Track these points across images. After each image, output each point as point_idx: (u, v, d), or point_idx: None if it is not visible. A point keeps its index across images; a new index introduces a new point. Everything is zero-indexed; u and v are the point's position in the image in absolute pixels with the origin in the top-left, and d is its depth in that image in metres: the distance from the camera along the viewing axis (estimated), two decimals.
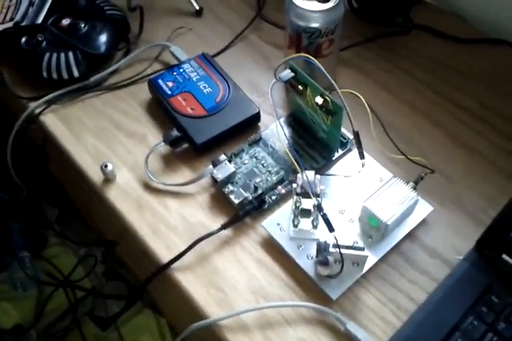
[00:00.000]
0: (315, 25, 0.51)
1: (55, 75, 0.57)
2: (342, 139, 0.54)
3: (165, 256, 0.49)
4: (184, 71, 0.58)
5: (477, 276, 0.47)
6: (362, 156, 0.50)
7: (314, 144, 0.55)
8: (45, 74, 0.57)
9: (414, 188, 0.49)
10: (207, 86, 0.56)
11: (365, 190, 0.50)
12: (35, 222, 0.96)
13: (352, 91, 0.47)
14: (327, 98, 0.47)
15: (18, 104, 0.60)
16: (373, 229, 0.49)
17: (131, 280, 0.98)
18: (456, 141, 0.56)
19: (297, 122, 0.56)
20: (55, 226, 0.96)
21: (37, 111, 0.58)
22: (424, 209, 0.50)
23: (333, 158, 0.54)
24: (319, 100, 0.48)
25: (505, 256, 0.46)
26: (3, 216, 0.82)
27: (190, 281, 0.48)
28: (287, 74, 0.49)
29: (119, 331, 0.92)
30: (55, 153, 0.61)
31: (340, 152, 0.54)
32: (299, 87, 0.50)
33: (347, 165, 0.54)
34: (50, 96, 0.58)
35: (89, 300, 0.95)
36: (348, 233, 0.49)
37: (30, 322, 0.91)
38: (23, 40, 0.58)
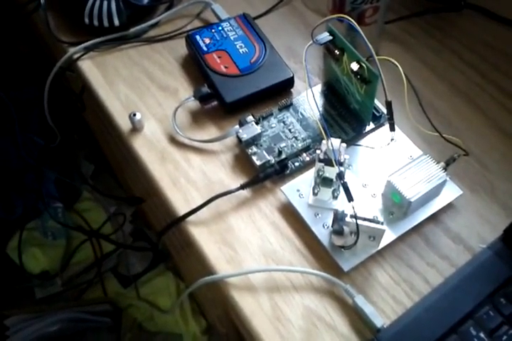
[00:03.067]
0: None
1: (96, 22, 0.55)
2: (375, 112, 0.50)
3: (182, 209, 0.47)
4: (223, 29, 0.54)
5: (500, 266, 0.42)
6: (392, 128, 0.45)
7: (346, 115, 0.51)
8: (86, 20, 0.55)
9: (445, 169, 0.44)
10: (243, 46, 0.53)
11: (392, 166, 0.46)
12: (70, 175, 0.96)
13: (389, 58, 0.43)
14: (363, 64, 0.43)
15: (58, 49, 0.59)
16: (396, 205, 0.45)
17: (156, 242, 0.97)
18: (496, 128, 0.50)
19: (331, 91, 0.52)
20: (89, 181, 0.96)
21: (75, 56, 0.56)
22: (452, 192, 0.46)
23: (364, 131, 0.50)
24: (355, 66, 0.44)
25: None
26: (37, 162, 0.82)
27: (204, 236, 0.46)
28: (325, 37, 0.45)
29: (138, 290, 0.91)
30: (91, 104, 0.59)
31: (372, 125, 0.50)
32: (336, 51, 0.45)
33: (377, 140, 0.49)
34: (89, 42, 0.56)
35: (114, 257, 0.95)
36: (369, 207, 0.45)
37: (56, 270, 0.91)
38: None
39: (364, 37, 0.41)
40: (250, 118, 0.49)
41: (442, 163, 0.45)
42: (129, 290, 0.93)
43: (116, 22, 0.55)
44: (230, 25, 0.55)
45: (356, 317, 0.41)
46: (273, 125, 0.50)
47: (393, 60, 0.43)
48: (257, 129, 0.48)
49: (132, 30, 0.57)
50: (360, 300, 0.41)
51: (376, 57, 0.41)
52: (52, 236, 0.91)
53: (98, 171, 1.01)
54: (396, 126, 0.48)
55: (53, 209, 0.90)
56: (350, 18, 0.42)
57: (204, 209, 0.46)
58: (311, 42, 0.44)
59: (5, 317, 0.78)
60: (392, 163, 0.47)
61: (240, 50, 0.53)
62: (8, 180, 0.89)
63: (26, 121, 0.84)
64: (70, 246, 0.93)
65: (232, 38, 0.54)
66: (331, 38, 0.45)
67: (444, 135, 0.45)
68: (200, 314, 0.89)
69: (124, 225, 0.92)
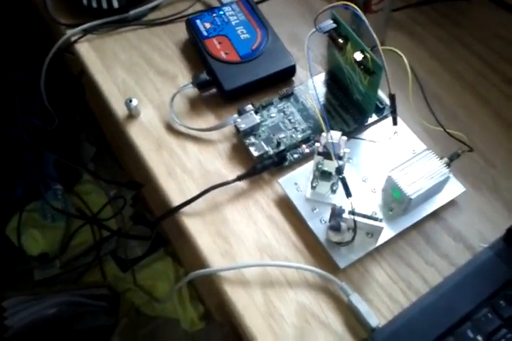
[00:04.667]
0: None
1: (94, 4, 0.53)
2: (378, 104, 0.47)
3: (177, 199, 0.45)
4: (224, 14, 0.52)
5: (500, 267, 0.40)
6: (395, 122, 0.43)
7: (348, 106, 0.48)
8: (85, 1, 0.53)
9: (448, 165, 0.42)
10: (245, 31, 0.51)
11: (394, 160, 0.44)
12: (71, 156, 0.94)
13: (394, 49, 0.40)
14: (367, 54, 0.41)
15: (57, 31, 0.56)
16: (396, 201, 0.43)
17: (151, 232, 0.95)
18: (504, 123, 0.48)
19: (334, 81, 0.50)
20: (90, 164, 0.94)
21: (73, 38, 0.54)
22: (455, 189, 0.44)
23: (366, 124, 0.48)
24: (358, 56, 0.42)
25: None
26: (36, 143, 0.80)
27: (198, 228, 0.44)
28: (328, 24, 0.42)
29: (134, 275, 0.90)
30: (91, 87, 0.57)
31: (375, 117, 0.48)
32: (340, 40, 0.43)
33: (380, 133, 0.47)
34: (87, 25, 0.53)
35: (113, 240, 0.94)
36: (368, 202, 0.43)
37: (55, 252, 0.90)
38: None
39: (369, 26, 0.39)
40: (249, 107, 0.47)
41: (446, 159, 0.42)
42: (128, 275, 0.92)
43: (116, 4, 0.53)
44: (232, 9, 0.52)
45: (351, 316, 0.40)
46: (273, 115, 0.48)
47: (398, 51, 0.40)
48: (256, 119, 0.46)
49: (132, 12, 0.54)
50: (356, 298, 0.40)
51: (380, 48, 0.39)
52: (51, 218, 0.89)
53: (100, 153, 0.99)
54: (400, 119, 0.46)
55: (53, 191, 0.89)
56: (355, 6, 0.39)
57: (199, 200, 0.44)
58: (313, 29, 0.42)
59: (3, 298, 0.77)
60: (394, 157, 0.45)
61: (241, 36, 0.50)
62: (9, 161, 0.87)
63: (28, 103, 0.82)
64: (70, 229, 0.92)
65: (233, 23, 0.51)
66: (334, 25, 0.42)
67: (448, 130, 0.43)
68: (198, 300, 0.88)
69: (124, 209, 0.91)
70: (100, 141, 0.98)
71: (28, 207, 0.91)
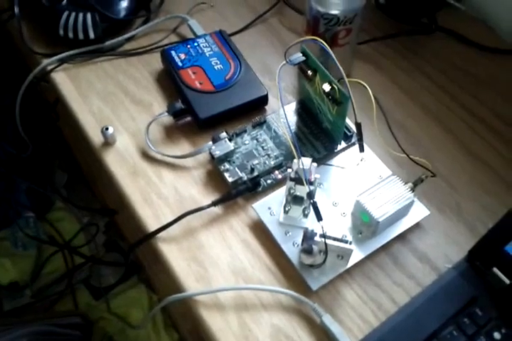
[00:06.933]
0: (334, 12, 0.47)
1: (71, 34, 0.55)
2: (347, 132, 0.50)
3: (152, 225, 0.47)
4: (198, 45, 0.54)
5: (464, 287, 0.43)
6: (362, 149, 0.46)
7: (318, 134, 0.51)
8: (61, 32, 0.55)
9: (412, 189, 0.45)
10: (218, 62, 0.53)
11: (362, 185, 0.47)
12: (43, 184, 0.94)
13: (359, 80, 0.43)
14: (335, 86, 0.44)
15: (32, 60, 0.58)
16: (365, 225, 0.45)
17: (126, 257, 0.95)
18: (465, 150, 0.52)
19: (304, 110, 0.53)
20: (62, 191, 0.94)
21: (49, 67, 0.56)
22: (420, 212, 0.46)
23: (336, 150, 0.50)
24: (327, 87, 0.45)
25: (496, 270, 0.42)
26: (9, 171, 0.80)
27: (173, 253, 0.46)
28: (298, 57, 0.45)
29: (108, 302, 0.90)
30: (65, 115, 0.59)
31: (344, 145, 0.51)
32: (309, 72, 0.46)
33: (348, 159, 0.50)
34: (64, 54, 0.55)
35: (86, 269, 0.93)
36: (338, 226, 0.46)
37: (26, 281, 0.89)
38: None
39: (335, 60, 0.42)
40: (223, 134, 0.49)
41: (410, 184, 0.45)
42: (101, 303, 0.91)
43: (92, 35, 0.55)
44: (206, 41, 0.55)
45: (324, 336, 0.41)
46: (246, 142, 0.51)
47: (363, 83, 0.43)
48: (230, 146, 0.48)
49: (108, 43, 0.57)
50: (328, 320, 0.41)
51: (347, 80, 0.42)
52: (22, 247, 0.88)
53: (72, 180, 0.99)
54: (367, 147, 0.48)
55: (25, 219, 0.88)
56: (322, 41, 0.42)
57: (175, 225, 0.46)
58: (284, 62, 0.45)
59: None
60: (362, 183, 0.48)
61: (215, 67, 0.53)
62: None
63: (0, 130, 0.83)
64: (41, 257, 0.91)
65: (207, 54, 0.54)
66: (304, 58, 0.45)
67: (411, 156, 0.46)
68: (172, 327, 0.88)
69: (96, 236, 0.91)
70: (73, 168, 0.98)
71: None
